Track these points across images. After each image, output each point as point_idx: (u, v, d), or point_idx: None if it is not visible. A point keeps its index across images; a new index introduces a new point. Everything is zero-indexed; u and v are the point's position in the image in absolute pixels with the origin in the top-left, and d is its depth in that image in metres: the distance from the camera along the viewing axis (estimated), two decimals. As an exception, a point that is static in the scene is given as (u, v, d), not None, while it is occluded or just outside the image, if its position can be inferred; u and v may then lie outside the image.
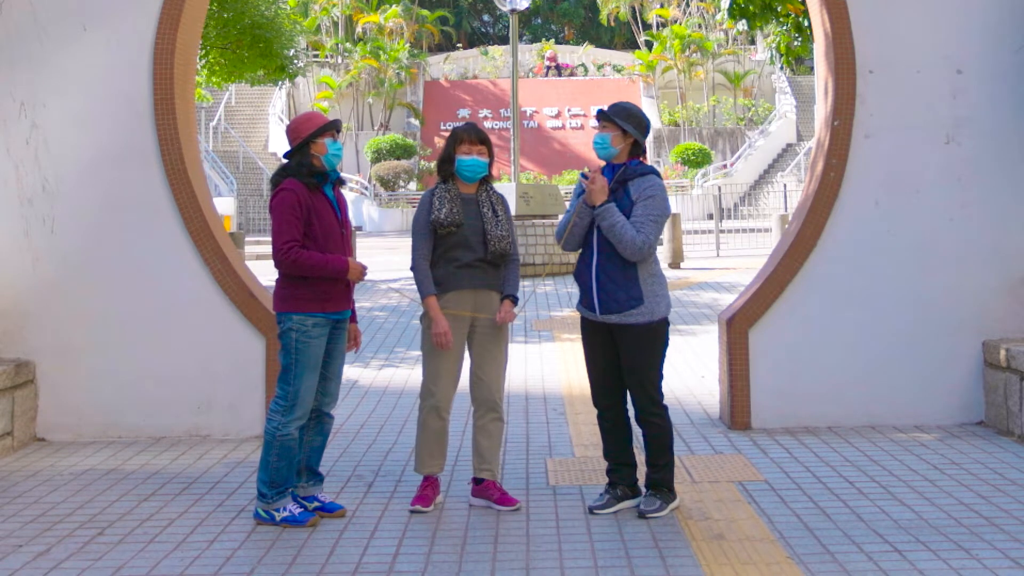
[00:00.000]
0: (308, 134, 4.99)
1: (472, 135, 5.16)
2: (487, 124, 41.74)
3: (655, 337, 5.00)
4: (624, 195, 4.96)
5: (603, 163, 5.14)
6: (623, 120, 5.00)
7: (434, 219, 5.09)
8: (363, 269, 5.06)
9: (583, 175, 5.03)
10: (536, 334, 11.13)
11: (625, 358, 5.00)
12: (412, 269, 5.17)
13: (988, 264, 6.82)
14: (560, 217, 17.76)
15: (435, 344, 5.07)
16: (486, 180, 5.26)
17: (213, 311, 6.75)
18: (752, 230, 22.89)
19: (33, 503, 5.36)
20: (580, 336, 5.23)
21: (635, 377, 4.99)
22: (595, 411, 5.22)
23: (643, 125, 5.06)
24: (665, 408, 5.05)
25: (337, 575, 4.29)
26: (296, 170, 4.97)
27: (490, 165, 5.21)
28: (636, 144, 5.05)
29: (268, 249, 5.00)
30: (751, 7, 13.24)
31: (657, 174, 5.07)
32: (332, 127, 5.05)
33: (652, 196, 4.91)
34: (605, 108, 5.07)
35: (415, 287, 5.17)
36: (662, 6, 45.44)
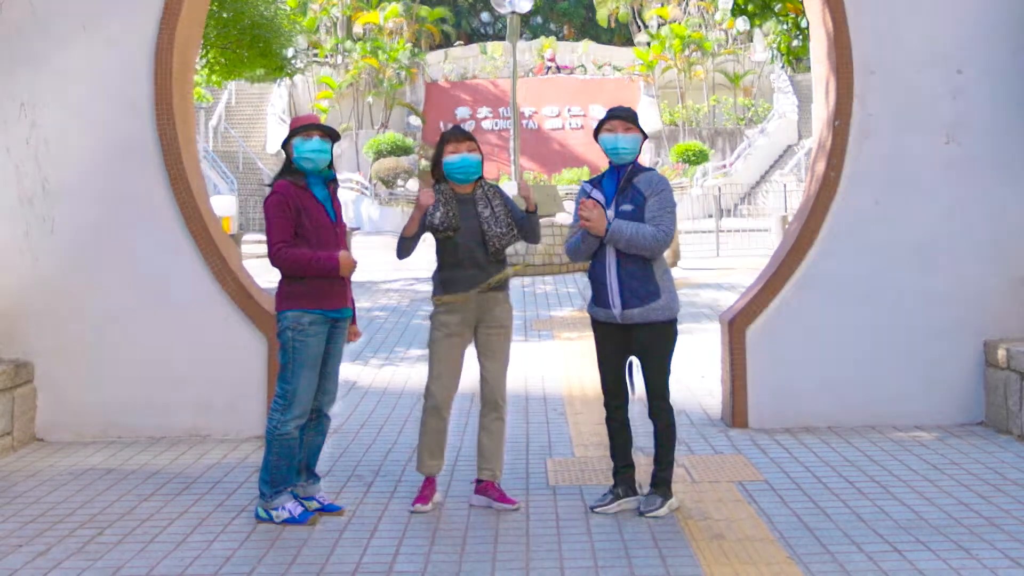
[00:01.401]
0: (287, 136, 5.09)
1: (457, 134, 5.19)
2: (487, 124, 41.73)
3: (671, 334, 5.12)
4: (635, 191, 5.05)
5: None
6: (640, 123, 5.14)
7: (429, 223, 5.10)
8: (353, 262, 5.09)
9: (575, 221, 5.04)
10: (536, 334, 11.11)
11: (642, 355, 5.07)
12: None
13: (988, 264, 6.82)
14: (558, 216, 17.83)
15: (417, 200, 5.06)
16: (479, 177, 5.25)
17: (213, 311, 6.75)
18: (752, 230, 22.89)
19: (33, 503, 5.36)
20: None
21: (653, 373, 5.07)
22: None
23: None
24: (671, 405, 5.13)
25: (337, 575, 4.30)
26: (287, 170, 5.08)
27: (481, 163, 5.19)
28: None
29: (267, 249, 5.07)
30: (750, 6, 13.26)
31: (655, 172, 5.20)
32: (303, 129, 5.07)
33: (664, 189, 5.07)
34: (620, 113, 5.14)
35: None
36: (661, 6, 45.40)
